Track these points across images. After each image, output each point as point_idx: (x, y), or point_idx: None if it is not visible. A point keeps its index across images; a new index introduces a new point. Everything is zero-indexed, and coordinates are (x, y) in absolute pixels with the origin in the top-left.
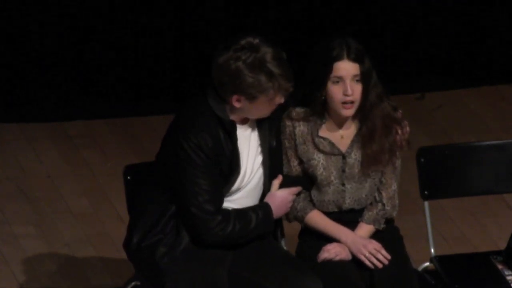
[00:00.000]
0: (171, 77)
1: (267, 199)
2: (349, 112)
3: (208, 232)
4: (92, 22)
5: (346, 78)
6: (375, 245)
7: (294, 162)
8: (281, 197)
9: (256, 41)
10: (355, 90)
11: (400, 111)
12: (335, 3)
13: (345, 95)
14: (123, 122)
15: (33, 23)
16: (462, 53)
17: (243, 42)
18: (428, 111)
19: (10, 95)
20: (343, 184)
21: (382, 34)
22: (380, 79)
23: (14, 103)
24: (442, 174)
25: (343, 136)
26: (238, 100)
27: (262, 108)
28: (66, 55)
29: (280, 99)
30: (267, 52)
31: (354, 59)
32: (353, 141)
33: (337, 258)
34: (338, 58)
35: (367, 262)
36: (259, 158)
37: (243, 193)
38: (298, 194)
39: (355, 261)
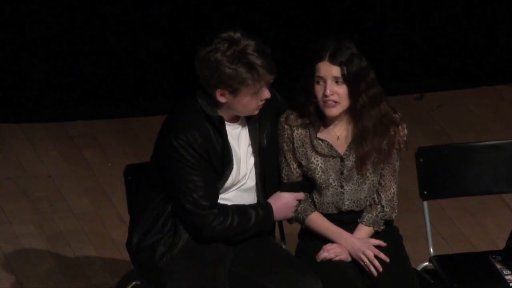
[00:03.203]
0: (171, 77)
1: (270, 199)
2: (332, 111)
3: (207, 227)
4: (92, 22)
5: (326, 78)
6: (373, 251)
7: (294, 165)
8: (284, 199)
9: (237, 34)
10: (337, 91)
11: (399, 113)
12: (334, 3)
13: (324, 95)
14: (123, 122)
15: (33, 23)
16: (461, 54)
17: (224, 35)
18: (427, 111)
19: (10, 95)
20: (342, 187)
21: (381, 35)
22: (379, 79)
23: (14, 103)
24: (441, 174)
25: (340, 138)
26: (222, 95)
27: (247, 103)
28: (66, 55)
29: (265, 94)
30: (248, 45)
31: (335, 62)
32: (351, 143)
33: (337, 258)
34: (320, 59)
35: (367, 269)
36: (252, 159)
37: (238, 192)
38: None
39: (355, 261)
